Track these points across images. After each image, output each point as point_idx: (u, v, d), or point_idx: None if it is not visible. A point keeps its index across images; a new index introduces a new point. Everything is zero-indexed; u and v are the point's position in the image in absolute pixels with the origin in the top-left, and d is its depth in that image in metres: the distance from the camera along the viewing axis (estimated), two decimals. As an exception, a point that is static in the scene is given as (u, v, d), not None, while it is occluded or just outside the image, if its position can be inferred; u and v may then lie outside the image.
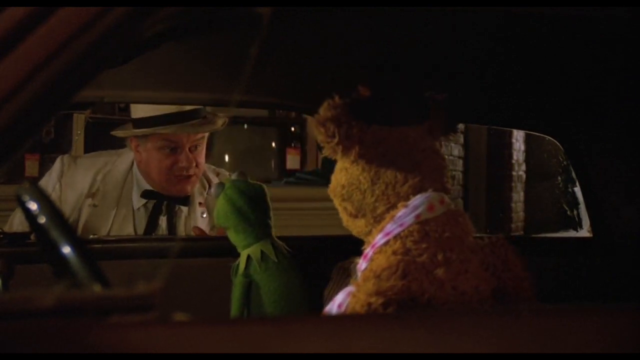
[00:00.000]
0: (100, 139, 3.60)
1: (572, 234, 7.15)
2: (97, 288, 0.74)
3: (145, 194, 2.20)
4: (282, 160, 4.54)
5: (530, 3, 1.07)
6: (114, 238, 2.09)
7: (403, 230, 1.16)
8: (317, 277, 1.61)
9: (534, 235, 5.95)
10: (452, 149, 5.95)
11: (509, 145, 6.87)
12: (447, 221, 1.18)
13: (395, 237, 1.16)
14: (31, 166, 3.83)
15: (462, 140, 6.16)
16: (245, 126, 4.46)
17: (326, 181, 1.30)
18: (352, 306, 1.09)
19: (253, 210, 1.60)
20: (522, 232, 7.08)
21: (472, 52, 1.41)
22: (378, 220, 1.21)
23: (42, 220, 0.79)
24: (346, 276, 1.50)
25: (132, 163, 2.24)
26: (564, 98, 1.73)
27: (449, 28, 1.28)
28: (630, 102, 1.66)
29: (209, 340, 0.66)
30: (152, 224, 2.20)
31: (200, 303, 1.37)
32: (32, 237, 1.64)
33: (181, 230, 2.20)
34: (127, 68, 1.25)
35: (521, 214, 7.20)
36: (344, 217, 1.28)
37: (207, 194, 2.27)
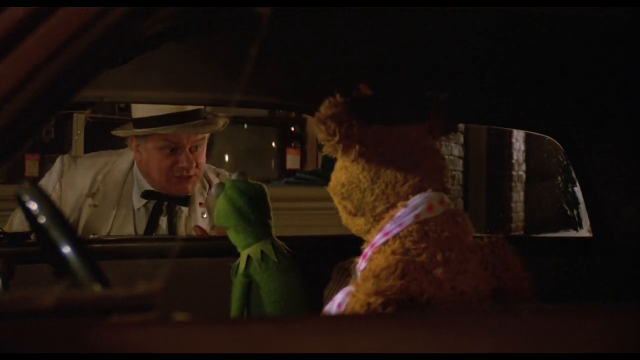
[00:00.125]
0: (100, 139, 3.60)
1: (572, 233, 7.15)
2: (97, 288, 0.74)
3: (146, 194, 2.20)
4: (282, 160, 4.54)
5: (530, 3, 1.07)
6: (114, 238, 2.09)
7: (402, 230, 1.16)
8: (317, 277, 1.61)
9: (534, 235, 5.95)
10: (452, 149, 5.95)
11: (509, 145, 6.87)
12: (447, 221, 1.19)
13: (394, 237, 1.16)
14: (31, 166, 3.83)
15: (462, 140, 6.16)
16: (245, 126, 4.46)
17: (326, 181, 1.30)
18: (351, 306, 1.09)
19: (253, 210, 1.60)
20: (522, 232, 7.08)
21: (472, 52, 1.41)
22: (377, 219, 1.21)
23: (42, 220, 0.79)
24: (346, 276, 1.50)
25: (133, 163, 2.24)
26: (564, 98, 1.73)
27: (449, 28, 1.28)
28: (630, 102, 1.66)
29: (209, 340, 0.66)
30: (152, 224, 2.20)
31: (200, 303, 1.37)
32: (32, 237, 1.64)
33: (181, 231, 2.20)
34: (127, 68, 1.25)
35: (521, 214, 7.20)
36: (343, 215, 1.28)
37: (207, 194, 2.27)
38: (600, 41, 1.29)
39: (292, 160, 4.52)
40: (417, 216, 1.17)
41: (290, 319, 0.91)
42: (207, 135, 2.21)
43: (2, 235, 1.75)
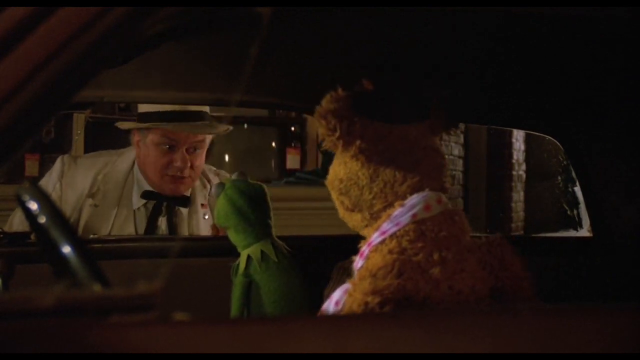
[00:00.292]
0: (100, 139, 3.61)
1: (572, 233, 7.14)
2: (97, 288, 0.74)
3: (145, 195, 2.20)
4: (282, 160, 4.54)
5: (530, 3, 1.07)
6: (114, 238, 2.09)
7: (399, 230, 1.16)
8: (317, 277, 1.61)
9: (534, 235, 5.94)
10: (452, 149, 5.94)
11: (509, 145, 6.86)
12: (444, 220, 1.18)
13: (391, 236, 1.16)
14: (31, 166, 3.83)
15: (462, 140, 6.15)
16: (245, 126, 4.46)
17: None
18: (348, 305, 1.09)
19: (253, 210, 1.60)
20: (522, 232, 7.08)
21: (472, 52, 1.41)
22: (374, 217, 1.21)
23: (42, 220, 0.79)
24: (346, 276, 1.49)
25: (133, 163, 2.25)
26: (564, 98, 1.73)
27: (449, 28, 1.28)
28: (630, 102, 1.66)
29: (209, 340, 0.66)
30: (151, 224, 2.20)
31: (200, 303, 1.37)
32: (32, 237, 1.64)
33: (181, 232, 2.20)
34: (127, 68, 1.25)
35: (521, 214, 7.20)
36: (340, 209, 1.28)
37: (208, 195, 2.27)
38: (600, 41, 1.29)
39: (292, 160, 4.52)
40: (414, 216, 1.17)
41: (290, 319, 0.91)
42: (207, 139, 2.21)
43: (2, 235, 1.75)
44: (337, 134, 1.16)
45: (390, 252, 1.14)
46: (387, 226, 1.17)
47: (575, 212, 7.74)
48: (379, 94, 1.29)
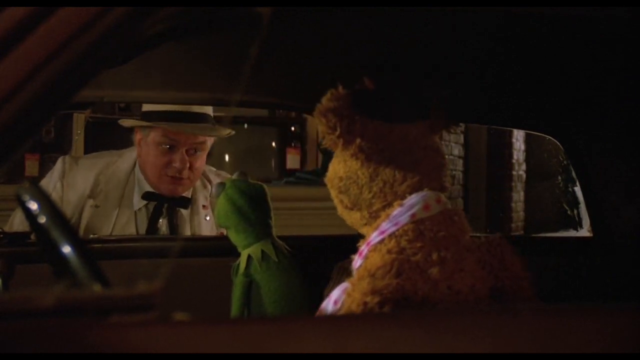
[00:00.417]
0: (101, 139, 3.61)
1: (572, 233, 7.14)
2: (97, 288, 0.74)
3: (146, 196, 2.20)
4: (282, 160, 4.54)
5: (530, 3, 1.07)
6: (114, 238, 2.09)
7: (398, 229, 1.16)
8: (317, 277, 1.61)
9: (534, 235, 5.94)
10: (452, 149, 5.94)
11: (509, 145, 6.86)
12: (443, 220, 1.18)
13: (390, 236, 1.16)
14: (31, 166, 3.83)
15: (462, 140, 6.15)
16: (245, 126, 4.46)
17: (326, 180, 1.30)
18: (347, 305, 1.09)
19: (253, 210, 1.60)
20: (522, 232, 7.08)
21: (472, 52, 1.41)
22: (373, 216, 1.21)
23: (42, 220, 0.79)
24: (346, 276, 1.49)
25: (134, 164, 2.24)
26: (564, 98, 1.73)
27: (449, 28, 1.28)
28: (630, 102, 1.66)
29: (209, 340, 0.66)
30: (152, 226, 2.20)
31: (200, 303, 1.37)
32: (32, 237, 1.64)
33: (183, 233, 2.20)
34: (127, 68, 1.25)
35: (521, 214, 7.20)
36: (339, 207, 1.28)
37: (210, 196, 2.27)
38: (600, 41, 1.29)
39: (292, 160, 4.52)
40: (413, 215, 1.17)
41: (290, 319, 0.91)
42: (208, 141, 2.21)
43: (2, 235, 1.75)
44: (337, 132, 1.16)
45: (389, 251, 1.14)
46: (386, 226, 1.17)
47: (575, 212, 7.74)
48: (380, 93, 1.29)
